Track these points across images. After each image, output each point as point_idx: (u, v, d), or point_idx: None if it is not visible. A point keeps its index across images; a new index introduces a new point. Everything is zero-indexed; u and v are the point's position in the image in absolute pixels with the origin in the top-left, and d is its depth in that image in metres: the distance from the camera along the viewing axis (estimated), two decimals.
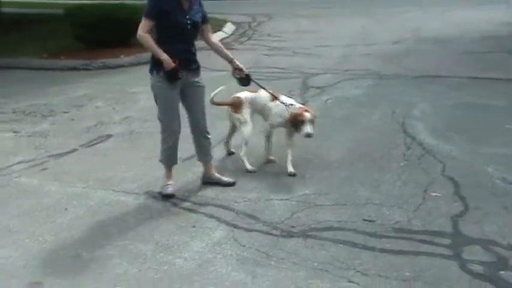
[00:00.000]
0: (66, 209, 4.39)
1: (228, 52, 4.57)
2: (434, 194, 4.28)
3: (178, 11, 4.15)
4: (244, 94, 4.96)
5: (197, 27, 4.29)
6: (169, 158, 4.54)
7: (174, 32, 4.17)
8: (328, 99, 7.01)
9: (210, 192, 4.56)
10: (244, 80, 4.63)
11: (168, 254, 3.63)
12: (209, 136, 4.60)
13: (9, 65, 10.75)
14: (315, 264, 3.44)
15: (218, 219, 4.08)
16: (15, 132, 6.58)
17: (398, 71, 8.41)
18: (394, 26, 12.68)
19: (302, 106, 4.82)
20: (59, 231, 4.01)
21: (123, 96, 8.05)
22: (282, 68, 8.93)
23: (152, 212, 4.28)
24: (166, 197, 4.45)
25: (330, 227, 3.88)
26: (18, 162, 5.48)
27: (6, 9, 15.45)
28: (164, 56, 4.12)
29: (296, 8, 15.97)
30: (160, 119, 4.45)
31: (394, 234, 3.75)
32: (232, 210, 4.21)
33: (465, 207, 4.06)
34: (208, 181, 4.66)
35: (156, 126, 6.39)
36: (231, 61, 4.53)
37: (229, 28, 13.12)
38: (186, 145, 4.73)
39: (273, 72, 8.67)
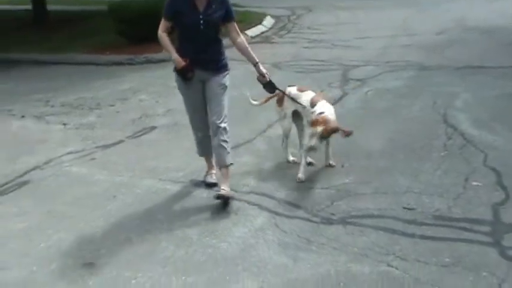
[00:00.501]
0: (114, 196, 4.59)
1: (253, 54, 4.35)
2: (475, 183, 4.29)
3: (190, 11, 4.11)
4: (289, 89, 4.91)
5: (214, 26, 4.18)
6: (201, 149, 4.64)
7: (187, 32, 4.18)
8: (368, 91, 7.03)
9: (252, 182, 4.68)
10: (268, 86, 4.50)
11: (212, 239, 3.78)
12: (223, 136, 4.29)
13: (56, 60, 11.13)
14: (355, 249, 3.53)
15: (260, 207, 4.20)
16: (64, 124, 6.85)
17: (440, 61, 8.32)
18: (438, 16, 12.51)
19: (322, 116, 4.43)
20: (109, 217, 4.21)
21: (165, 90, 8.23)
22: (322, 61, 8.95)
23: (197, 199, 4.43)
24: (209, 185, 4.57)
25: (369, 214, 3.96)
26: (68, 153, 5.73)
27: (52, 7, 15.93)
28: (174, 56, 4.17)
29: (335, 0, 15.91)
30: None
31: (433, 221, 3.80)
32: (273, 198, 4.33)
33: (506, 196, 4.06)
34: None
35: None
36: (255, 64, 4.36)
37: (268, 22, 13.19)
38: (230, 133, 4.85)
39: (312, 65, 8.73)
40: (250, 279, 3.29)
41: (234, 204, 4.27)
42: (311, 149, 4.38)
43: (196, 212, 4.21)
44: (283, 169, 4.88)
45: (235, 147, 5.32)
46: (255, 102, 5.16)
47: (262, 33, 12.06)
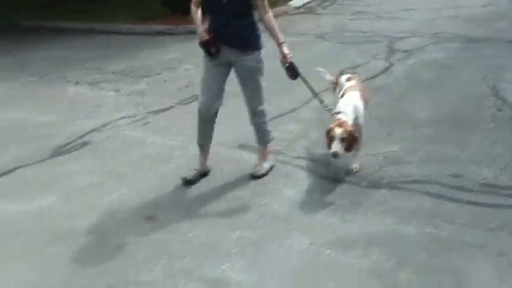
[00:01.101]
0: (169, 158, 4.81)
1: (279, 33, 4.02)
2: None
3: None
4: (343, 75, 4.69)
5: (238, 3, 3.90)
6: (199, 135, 4.35)
7: (211, 6, 3.98)
8: (415, 63, 7.03)
9: (300, 147, 4.84)
10: (290, 70, 4.10)
11: (263, 199, 3.97)
12: (257, 119, 4.28)
13: (104, 29, 11.42)
14: (402, 212, 3.66)
15: (308, 170, 4.36)
16: (116, 90, 7.12)
17: (489, 34, 8.21)
18: None
19: (341, 118, 4.02)
20: (164, 176, 4.44)
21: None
22: (367, 32, 8.94)
23: (246, 162, 4.61)
24: (186, 182, 4.23)
25: (416, 180, 4.06)
26: (122, 118, 5.98)
27: None
28: (199, 30, 4.00)
29: None
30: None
31: (480, 188, 3.88)
32: (321, 163, 4.47)
33: None
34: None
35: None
36: (279, 45, 4.01)
37: None
38: (273, 102, 4.98)
39: (357, 36, 8.73)
40: (301, 237, 3.47)
41: (283, 168, 4.44)
42: (333, 155, 3.87)
43: (246, 174, 4.39)
44: None
45: (279, 116, 5.49)
46: (328, 77, 4.98)
47: (306, 4, 12.04)
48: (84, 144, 5.31)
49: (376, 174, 4.19)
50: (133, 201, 4.07)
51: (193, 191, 4.19)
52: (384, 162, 4.37)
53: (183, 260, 3.33)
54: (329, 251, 3.30)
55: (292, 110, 5.73)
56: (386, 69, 6.84)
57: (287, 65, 4.05)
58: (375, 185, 4.05)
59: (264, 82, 4.18)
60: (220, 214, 3.82)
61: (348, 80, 4.50)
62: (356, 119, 4.15)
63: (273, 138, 4.43)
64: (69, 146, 5.29)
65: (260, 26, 4.08)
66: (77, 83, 7.57)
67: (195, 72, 7.78)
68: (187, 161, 4.72)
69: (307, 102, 5.66)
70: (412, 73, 6.62)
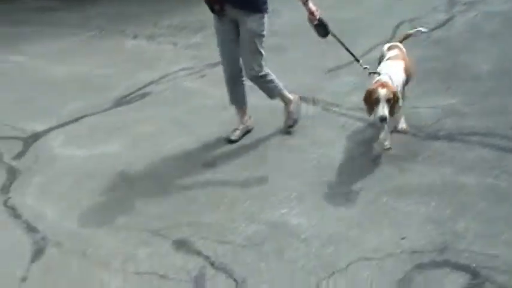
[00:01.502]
0: (225, 108, 4.91)
1: None
2: None
3: None
4: (386, 44, 4.44)
5: None
6: (230, 96, 4.31)
7: None
8: (477, 14, 6.80)
9: (356, 99, 4.82)
10: (319, 28, 3.88)
11: (320, 148, 4.04)
12: (258, 83, 4.15)
13: None
14: (461, 162, 3.66)
15: (366, 122, 4.37)
16: (173, 44, 7.24)
17: None
18: None
19: (383, 79, 3.67)
20: (223, 125, 4.54)
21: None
22: None
23: (304, 113, 4.66)
24: (229, 141, 4.24)
25: (476, 132, 4.03)
26: (181, 69, 6.11)
27: None
28: None
29: None
30: None
31: None
32: None
33: None
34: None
35: (299, 41, 6.73)
36: (304, 2, 3.81)
37: None
38: (330, 55, 4.98)
39: None
40: (359, 184, 3.54)
41: (341, 119, 4.48)
42: (382, 119, 3.55)
43: (304, 124, 4.44)
44: None
45: (337, 68, 5.48)
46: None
47: None
48: (144, 95, 5.47)
49: (434, 126, 4.17)
50: (194, 148, 4.22)
51: (250, 139, 4.29)
52: (443, 115, 4.34)
53: (243, 204, 3.46)
54: (386, 198, 3.36)
55: (350, 62, 5.68)
56: (447, 21, 6.67)
57: (316, 22, 3.84)
58: (433, 136, 4.04)
59: (263, 49, 3.97)
60: (279, 162, 3.92)
61: (390, 49, 4.18)
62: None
63: (282, 87, 4.26)
64: (130, 97, 5.47)
65: None
66: (135, 37, 7.73)
67: None
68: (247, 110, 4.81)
69: (366, 54, 5.61)
70: (474, 25, 6.42)
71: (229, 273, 2.85)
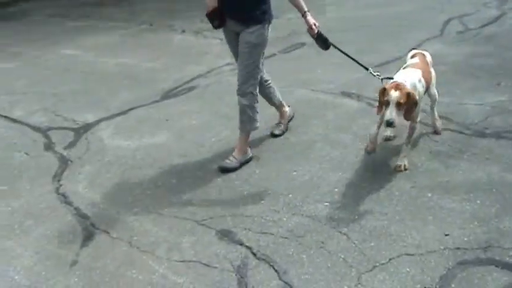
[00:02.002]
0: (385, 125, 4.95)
1: (301, 2, 3.77)
2: None
3: None
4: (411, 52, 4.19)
5: None
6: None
7: None
8: None
9: None
10: (319, 41, 3.85)
11: (364, 143, 4.01)
12: (244, 101, 3.86)
13: None
14: (508, 161, 3.59)
15: None
16: (220, 39, 7.30)
17: None
18: None
19: (399, 80, 3.46)
20: (268, 119, 4.56)
21: (313, 8, 8.28)
22: None
23: (348, 108, 4.67)
24: (273, 135, 4.26)
25: None
26: (226, 64, 6.19)
27: None
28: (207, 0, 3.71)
29: None
30: None
31: None
32: (425, 111, 4.42)
33: None
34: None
35: (347, 36, 6.71)
36: (303, 14, 3.78)
37: None
38: (379, 50, 4.93)
39: None
40: (403, 179, 3.52)
41: None
42: (388, 124, 3.38)
43: (348, 119, 4.46)
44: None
45: (385, 63, 5.44)
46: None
47: None
48: (191, 88, 5.59)
49: (481, 123, 4.11)
50: (234, 143, 4.28)
51: (295, 133, 4.32)
52: (491, 112, 4.26)
53: (287, 196, 3.50)
54: (430, 194, 3.34)
55: (398, 58, 5.65)
56: (498, 18, 6.53)
57: (315, 35, 3.80)
58: (480, 134, 3.98)
59: (261, 64, 3.88)
60: (322, 156, 3.93)
61: (413, 57, 3.96)
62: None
63: (256, 127, 3.99)
64: (177, 90, 5.59)
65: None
66: (183, 31, 7.88)
67: (297, 21, 7.81)
68: (291, 104, 4.83)
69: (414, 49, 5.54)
70: None
71: (271, 264, 2.89)
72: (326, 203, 3.36)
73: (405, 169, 3.60)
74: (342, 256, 2.89)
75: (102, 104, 5.33)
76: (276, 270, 2.84)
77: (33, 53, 7.46)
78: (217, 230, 3.22)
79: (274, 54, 6.39)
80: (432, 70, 3.90)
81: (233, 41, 3.90)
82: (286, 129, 4.37)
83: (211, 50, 6.84)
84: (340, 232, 3.08)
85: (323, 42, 3.84)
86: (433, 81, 3.90)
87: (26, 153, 4.45)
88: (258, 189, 3.63)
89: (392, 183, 3.50)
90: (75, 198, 3.72)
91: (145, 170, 4.03)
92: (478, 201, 3.21)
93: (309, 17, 3.75)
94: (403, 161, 3.62)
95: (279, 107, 4.37)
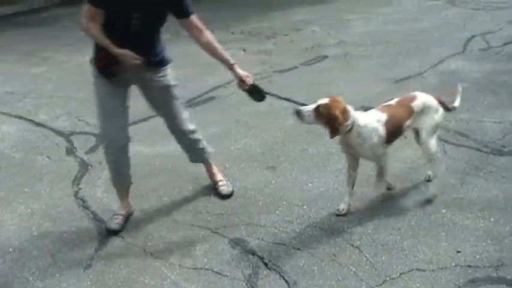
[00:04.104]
0: (292, 113, 4.98)
1: (225, 55, 3.31)
2: None
3: (126, 6, 3.01)
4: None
5: (151, 25, 3.18)
6: (115, 177, 3.52)
7: (114, 29, 3.09)
8: None
9: None
10: (253, 93, 3.36)
11: None
12: (191, 136, 3.60)
13: None
14: None
15: None
16: (244, 49, 7.42)
17: None
18: None
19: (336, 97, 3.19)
20: (287, 130, 4.64)
21: (337, 22, 8.45)
22: None
23: None
24: (110, 232, 3.43)
25: None
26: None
27: None
28: (117, 51, 3.08)
29: None
30: (97, 123, 3.47)
31: None
32: (443, 127, 4.39)
33: None
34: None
35: (370, 50, 6.74)
36: (230, 67, 3.30)
37: None
38: (401, 65, 4.93)
39: (491, 2, 8.31)
40: (418, 195, 3.51)
41: None
42: (294, 112, 3.20)
43: None
44: (452, 102, 4.88)
45: (405, 78, 5.45)
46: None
47: None
48: (211, 98, 5.66)
49: (499, 141, 4.09)
50: (257, 151, 4.33)
51: (313, 144, 4.33)
52: (510, 130, 4.24)
53: (301, 207, 3.52)
54: (445, 210, 3.33)
55: (419, 74, 5.66)
56: None
57: (247, 87, 3.30)
58: (498, 152, 3.96)
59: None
60: (339, 169, 3.93)
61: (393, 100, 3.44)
62: (360, 144, 3.21)
63: (209, 155, 3.78)
64: (197, 100, 5.66)
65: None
66: None
67: (322, 34, 7.91)
68: None
69: (434, 66, 5.55)
70: None
71: (281, 274, 2.91)
72: (340, 216, 3.37)
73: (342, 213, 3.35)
74: (353, 269, 2.90)
75: None
76: (286, 281, 2.87)
77: (61, 58, 7.65)
78: (230, 238, 3.26)
79: (296, 67, 6.44)
80: (423, 116, 3.33)
81: (119, 94, 3.31)
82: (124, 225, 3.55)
83: (234, 61, 6.89)
84: (353, 245, 3.09)
85: (258, 93, 3.36)
86: (424, 131, 3.35)
87: (48, 157, 4.56)
88: (273, 199, 3.66)
89: (406, 199, 3.50)
90: (93, 202, 3.80)
91: (162, 177, 4.09)
92: (492, 219, 3.19)
93: (239, 69, 3.29)
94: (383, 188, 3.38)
95: (127, 191, 3.64)
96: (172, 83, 3.41)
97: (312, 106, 3.11)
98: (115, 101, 3.30)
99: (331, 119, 3.07)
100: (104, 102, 3.29)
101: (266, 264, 3.01)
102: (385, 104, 3.41)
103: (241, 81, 3.30)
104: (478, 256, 2.90)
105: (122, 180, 3.53)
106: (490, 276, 2.75)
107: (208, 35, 3.27)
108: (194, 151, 3.71)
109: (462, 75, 5.43)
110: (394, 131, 3.28)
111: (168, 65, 3.39)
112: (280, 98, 3.45)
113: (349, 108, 3.16)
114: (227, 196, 3.71)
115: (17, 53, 8.09)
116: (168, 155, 4.40)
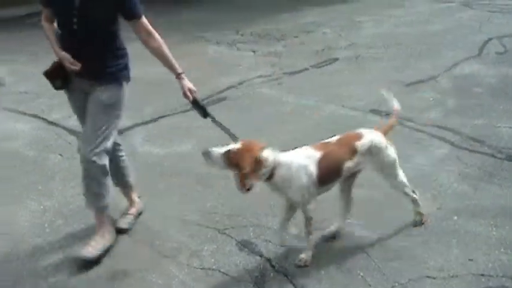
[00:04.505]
0: (301, 116, 4.97)
1: (173, 62, 3.09)
2: None
3: (65, 5, 2.90)
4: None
5: (94, 25, 2.94)
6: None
7: (60, 24, 3.03)
8: None
9: (435, 115, 4.75)
10: (196, 108, 3.19)
11: None
12: (90, 171, 3.05)
13: None
14: None
15: (442, 139, 4.28)
16: (253, 51, 7.40)
17: None
18: None
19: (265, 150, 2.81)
20: (297, 132, 4.59)
21: (348, 24, 8.41)
22: None
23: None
24: (120, 230, 3.36)
25: None
26: (258, 76, 6.24)
27: None
28: (58, 52, 3.04)
29: None
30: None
31: None
32: (456, 132, 4.37)
33: None
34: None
35: (381, 53, 6.68)
36: (177, 76, 3.10)
37: None
38: (412, 68, 4.88)
39: (508, 5, 8.20)
40: (430, 201, 3.46)
41: (415, 134, 4.41)
42: (203, 152, 2.81)
43: None
44: (467, 107, 4.84)
45: (418, 82, 5.40)
46: (395, 105, 3.44)
47: None
48: (222, 99, 5.63)
49: None
50: None
51: None
52: None
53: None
54: (456, 217, 3.27)
55: (432, 77, 5.60)
56: None
57: (190, 100, 3.13)
58: None
59: (115, 130, 3.14)
60: None
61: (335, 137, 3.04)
62: (288, 186, 2.83)
63: (105, 205, 3.19)
64: (208, 100, 5.62)
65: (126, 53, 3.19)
66: (217, 42, 7.96)
67: (333, 36, 7.87)
68: (320, 119, 4.85)
69: (448, 70, 5.50)
70: None
71: (288, 278, 2.87)
72: (349, 220, 3.33)
73: (305, 265, 2.93)
74: (361, 274, 2.85)
75: (135, 110, 5.40)
76: (293, 284, 2.83)
77: None
78: (238, 240, 3.22)
79: (307, 69, 6.42)
80: (371, 157, 2.99)
81: (80, 104, 3.14)
82: (134, 223, 3.48)
83: (243, 62, 6.89)
84: (362, 250, 3.05)
85: (200, 109, 3.19)
86: (383, 173, 3.08)
87: (61, 155, 4.55)
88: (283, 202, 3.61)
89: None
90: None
91: (173, 177, 4.06)
92: (507, 227, 3.13)
93: (184, 81, 3.09)
94: (306, 254, 2.96)
95: (128, 191, 3.54)
96: (106, 101, 3.04)
97: (223, 149, 2.74)
98: (76, 110, 3.23)
99: (238, 170, 2.72)
100: (73, 112, 3.29)
101: (273, 267, 2.97)
102: (323, 141, 3.01)
103: (184, 94, 3.10)
104: (490, 265, 2.84)
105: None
106: (504, 285, 2.70)
107: (157, 40, 3.03)
108: (89, 189, 3.13)
109: (478, 79, 5.38)
110: (329, 172, 2.86)
111: (115, 84, 3.07)
112: (217, 125, 3.18)
113: (268, 154, 2.76)
114: (122, 230, 3.36)
115: (29, 54, 8.10)
116: (178, 156, 4.39)
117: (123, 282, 2.95)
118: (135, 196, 3.56)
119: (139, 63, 6.97)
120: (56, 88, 3.14)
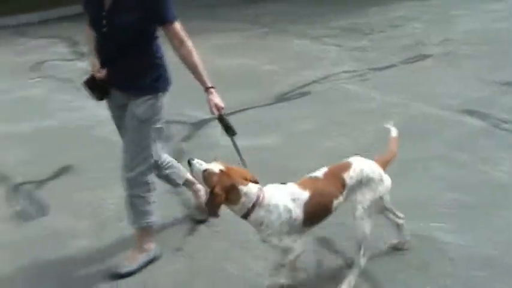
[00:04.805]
0: (386, 114, 4.79)
1: (203, 75, 2.89)
2: None
3: (94, 5, 2.81)
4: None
5: (123, 30, 2.76)
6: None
7: (96, 33, 2.89)
8: None
9: None
10: (222, 124, 2.95)
11: (485, 166, 3.77)
12: (132, 189, 3.00)
13: None
14: None
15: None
16: (338, 46, 7.28)
17: None
18: None
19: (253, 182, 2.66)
20: (380, 131, 4.31)
21: (441, 19, 8.09)
22: None
23: (471, 128, 4.41)
24: (198, 222, 3.43)
25: None
26: (343, 72, 6.13)
27: None
28: (91, 59, 2.97)
29: None
30: None
31: None
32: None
33: None
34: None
35: (476, 50, 6.35)
36: (206, 90, 2.90)
37: None
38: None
39: None
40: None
41: (510, 137, 4.15)
42: (189, 161, 2.61)
43: (470, 139, 4.20)
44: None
45: None
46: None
47: None
48: (305, 93, 5.58)
49: None
50: (349, 150, 4.15)
51: (411, 149, 4.09)
52: None
53: None
54: None
55: None
56: None
57: (216, 116, 2.93)
58: None
59: (156, 140, 2.98)
60: (438, 174, 3.73)
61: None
62: (263, 230, 2.56)
63: (149, 223, 3.08)
64: (291, 94, 5.60)
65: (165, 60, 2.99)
66: (302, 36, 7.91)
67: (424, 31, 7.58)
68: (406, 118, 4.67)
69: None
70: None
71: (370, 280, 2.79)
72: (433, 224, 3.17)
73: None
74: (447, 282, 2.72)
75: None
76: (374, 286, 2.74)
77: None
78: (316, 236, 3.16)
79: (394, 65, 6.21)
80: (362, 189, 2.67)
81: (116, 114, 3.06)
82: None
83: (328, 56, 6.80)
84: (446, 256, 2.90)
85: (225, 125, 2.95)
86: (360, 205, 2.64)
87: None
88: None
89: (509, 212, 3.25)
90: (185, 190, 3.83)
91: (254, 170, 4.03)
92: None
93: (212, 96, 2.89)
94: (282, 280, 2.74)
95: (189, 185, 3.48)
96: (142, 116, 2.88)
97: (204, 166, 2.53)
98: (114, 121, 3.13)
99: (210, 193, 2.48)
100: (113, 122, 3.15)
101: (350, 267, 2.88)
102: (309, 176, 2.72)
103: (211, 108, 2.91)
104: None
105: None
106: None
107: (187, 48, 2.82)
108: (133, 208, 3.05)
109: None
110: (317, 214, 2.60)
111: (150, 96, 2.88)
112: (233, 145, 2.98)
113: (249, 189, 2.54)
114: (199, 221, 3.41)
115: None
116: (259, 149, 4.34)
117: (200, 268, 2.99)
118: (196, 187, 3.46)
119: (226, 56, 7.08)
120: (96, 99, 2.99)
